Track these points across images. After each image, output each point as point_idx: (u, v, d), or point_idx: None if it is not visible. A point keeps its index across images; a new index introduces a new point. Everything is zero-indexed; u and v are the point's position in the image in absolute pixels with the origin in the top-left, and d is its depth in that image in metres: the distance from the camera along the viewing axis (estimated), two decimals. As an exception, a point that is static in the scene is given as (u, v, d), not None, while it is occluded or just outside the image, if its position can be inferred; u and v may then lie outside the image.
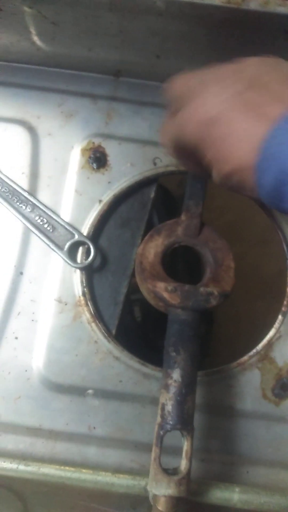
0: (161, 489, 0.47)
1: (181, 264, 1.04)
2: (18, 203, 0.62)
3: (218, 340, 1.10)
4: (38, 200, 0.63)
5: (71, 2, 0.54)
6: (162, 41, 0.59)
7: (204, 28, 0.56)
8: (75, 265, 0.61)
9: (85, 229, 0.63)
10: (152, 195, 0.66)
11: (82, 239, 0.62)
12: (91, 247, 0.61)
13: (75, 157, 0.65)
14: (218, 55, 0.60)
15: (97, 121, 0.66)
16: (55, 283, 0.62)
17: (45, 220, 0.62)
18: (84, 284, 0.61)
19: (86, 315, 0.61)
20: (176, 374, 0.50)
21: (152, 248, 0.58)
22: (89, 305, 0.61)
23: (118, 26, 0.57)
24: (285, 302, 0.62)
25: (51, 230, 0.62)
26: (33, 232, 0.62)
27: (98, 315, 0.61)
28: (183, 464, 0.49)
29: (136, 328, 1.00)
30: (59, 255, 0.61)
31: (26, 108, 0.66)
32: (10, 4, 0.55)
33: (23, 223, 0.62)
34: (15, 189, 0.63)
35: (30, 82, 0.67)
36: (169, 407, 0.49)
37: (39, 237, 0.61)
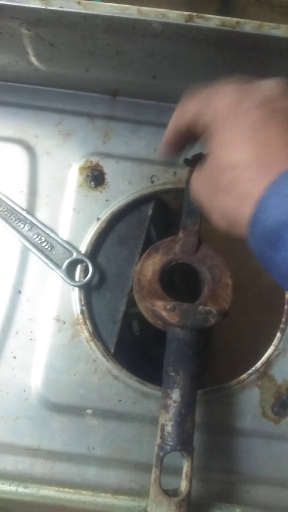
0: (162, 511, 0.47)
1: (179, 279, 1.04)
2: (16, 222, 0.62)
3: (217, 353, 1.10)
4: (36, 219, 0.63)
5: (68, 24, 0.54)
6: (158, 61, 0.60)
7: (199, 49, 0.56)
8: (73, 283, 0.61)
9: (83, 247, 0.63)
10: (150, 212, 0.66)
11: (80, 257, 0.62)
12: (89, 265, 0.61)
13: (73, 175, 0.65)
14: (214, 75, 0.62)
15: (94, 140, 0.67)
16: (53, 301, 0.62)
17: (43, 239, 0.62)
18: (83, 302, 0.61)
19: (84, 333, 0.61)
20: (175, 395, 0.50)
21: (150, 266, 0.58)
22: (88, 323, 0.61)
23: (115, 47, 0.58)
24: (283, 319, 0.62)
25: (49, 249, 0.62)
26: (31, 251, 0.62)
27: (97, 334, 0.61)
28: (183, 485, 0.48)
29: (135, 343, 1.00)
30: (57, 274, 0.61)
31: (24, 127, 0.67)
32: (8, 26, 0.56)
33: (21, 242, 0.62)
34: (13, 208, 0.63)
35: (28, 102, 0.67)
36: (168, 428, 0.49)
37: (37, 255, 0.61)
